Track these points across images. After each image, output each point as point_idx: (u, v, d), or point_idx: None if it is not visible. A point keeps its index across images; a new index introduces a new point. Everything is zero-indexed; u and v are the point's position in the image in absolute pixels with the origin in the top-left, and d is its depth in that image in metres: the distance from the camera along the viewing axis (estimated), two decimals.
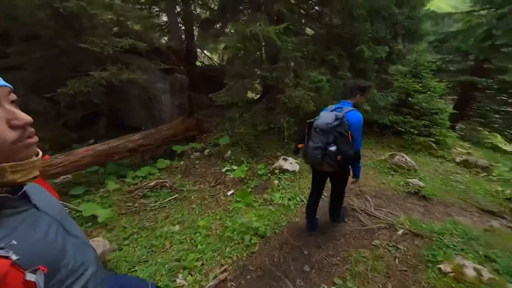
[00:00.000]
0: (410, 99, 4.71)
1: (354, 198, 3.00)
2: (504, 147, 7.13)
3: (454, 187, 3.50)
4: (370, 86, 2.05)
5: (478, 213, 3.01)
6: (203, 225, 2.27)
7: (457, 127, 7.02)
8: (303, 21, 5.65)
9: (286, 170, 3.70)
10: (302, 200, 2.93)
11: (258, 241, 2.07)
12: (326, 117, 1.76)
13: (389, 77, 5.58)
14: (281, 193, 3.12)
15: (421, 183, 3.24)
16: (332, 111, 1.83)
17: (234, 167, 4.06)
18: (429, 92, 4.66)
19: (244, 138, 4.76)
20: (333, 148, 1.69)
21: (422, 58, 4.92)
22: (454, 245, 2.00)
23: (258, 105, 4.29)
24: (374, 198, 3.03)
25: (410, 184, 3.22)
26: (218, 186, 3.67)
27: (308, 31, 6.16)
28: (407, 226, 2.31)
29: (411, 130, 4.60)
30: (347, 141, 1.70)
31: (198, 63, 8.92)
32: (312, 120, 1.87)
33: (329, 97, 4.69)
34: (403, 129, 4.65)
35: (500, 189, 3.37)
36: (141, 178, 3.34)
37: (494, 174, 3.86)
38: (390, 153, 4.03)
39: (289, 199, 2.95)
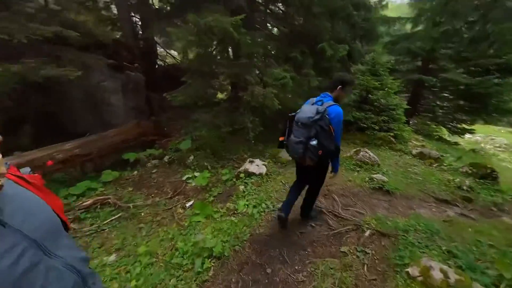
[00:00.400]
0: (370, 96, 4.86)
1: (321, 199, 2.85)
2: (448, 138, 7.96)
3: (413, 179, 3.62)
4: (353, 81, 2.02)
5: (435, 203, 3.11)
6: (147, 251, 1.84)
7: (411, 121, 7.61)
8: (268, 18, 5.49)
9: (253, 174, 3.41)
10: (268, 207, 2.67)
11: (213, 264, 1.73)
12: (308, 110, 1.73)
13: (352, 76, 5.74)
14: (246, 200, 2.82)
15: (385, 178, 3.25)
16: (313, 104, 1.79)
17: (197, 174, 3.64)
18: (386, 89, 4.86)
19: (208, 141, 4.36)
20: (314, 142, 1.67)
21: (379, 57, 5.12)
22: (419, 242, 1.93)
23: (222, 105, 3.94)
24: (341, 197, 2.92)
25: (375, 179, 3.20)
26: (176, 197, 3.22)
27: (274, 29, 6.04)
28: (373, 226, 2.21)
29: (373, 126, 4.74)
30: (328, 135, 1.68)
31: (160, 62, 8.20)
32: (293, 113, 1.84)
33: (295, 95, 4.59)
34: (365, 125, 4.77)
35: (451, 178, 3.59)
36: (75, 197, 2.72)
37: (444, 164, 4.14)
38: (355, 149, 4.04)
39: (254, 206, 2.66)
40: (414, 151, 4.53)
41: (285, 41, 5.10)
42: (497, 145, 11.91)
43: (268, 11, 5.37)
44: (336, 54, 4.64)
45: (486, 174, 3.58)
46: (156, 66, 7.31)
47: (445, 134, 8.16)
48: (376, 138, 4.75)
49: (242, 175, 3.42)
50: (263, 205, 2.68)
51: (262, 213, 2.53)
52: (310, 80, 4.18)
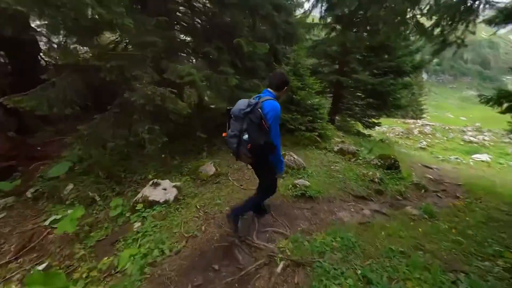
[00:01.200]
0: (295, 96, 4.75)
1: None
2: (364, 131, 9.09)
3: (335, 177, 3.57)
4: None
5: (353, 201, 3.07)
6: None
7: (335, 119, 8.26)
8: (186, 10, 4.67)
9: (155, 202, 2.58)
10: (164, 253, 1.91)
11: None
12: (240, 103, 1.72)
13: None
14: (138, 246, 1.98)
15: (307, 183, 3.01)
16: (253, 98, 1.76)
17: (71, 212, 2.51)
18: (308, 89, 4.86)
19: (100, 160, 3.22)
20: (245, 136, 1.64)
21: (300, 58, 5.11)
22: (335, 269, 1.58)
23: (109, 111, 2.90)
24: None
25: (297, 185, 2.91)
26: (22, 258, 2.06)
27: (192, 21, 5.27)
28: (289, 253, 1.77)
29: (300, 126, 4.63)
30: (257, 129, 1.62)
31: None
32: (231, 107, 1.79)
33: (218, 95, 3.98)
34: (293, 127, 4.62)
35: (366, 171, 3.73)
36: None
37: (360, 158, 4.38)
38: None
39: (143, 256, 1.86)
40: (335, 148, 4.65)
41: (202, 36, 4.44)
42: (396, 133, 14.76)
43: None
44: (256, 52, 4.28)
45: (391, 165, 3.88)
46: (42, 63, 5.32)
47: (361, 128, 9.28)
48: (304, 139, 4.66)
49: (139, 205, 2.53)
50: (156, 252, 1.90)
51: (149, 267, 1.75)
52: (228, 79, 3.63)
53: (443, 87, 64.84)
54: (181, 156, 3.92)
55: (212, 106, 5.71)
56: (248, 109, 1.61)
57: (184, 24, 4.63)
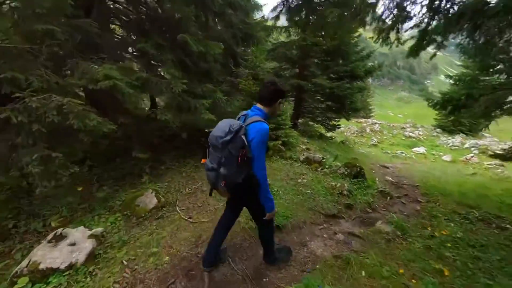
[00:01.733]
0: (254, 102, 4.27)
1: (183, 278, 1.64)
2: (326, 134, 9.28)
3: (303, 194, 3.19)
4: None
5: (324, 221, 2.72)
6: None
7: (298, 124, 8.16)
8: None
9: (52, 270, 1.69)
10: None
11: None
12: (220, 128, 1.34)
13: (238, 80, 5.07)
14: None
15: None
16: (239, 119, 1.44)
17: None
18: None
19: None
20: (223, 170, 1.32)
21: (259, 61, 4.66)
22: None
23: None
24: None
25: None
26: None
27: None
28: None
29: None
30: (233, 162, 1.29)
31: None
32: (210, 129, 1.44)
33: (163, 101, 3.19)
34: None
35: (334, 183, 3.46)
36: None
37: (326, 167, 4.15)
38: None
39: None
40: (301, 157, 4.33)
41: (137, 30, 3.56)
42: (352, 132, 15.92)
43: None
44: (209, 53, 3.64)
45: (357, 173, 3.72)
46: None
47: (324, 131, 9.47)
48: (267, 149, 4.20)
49: (22, 281, 1.62)
50: None
51: None
52: (172, 83, 2.89)
53: (384, 89, 75.18)
54: (112, 184, 2.99)
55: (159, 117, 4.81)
56: (228, 138, 1.27)
57: (120, 15, 3.66)
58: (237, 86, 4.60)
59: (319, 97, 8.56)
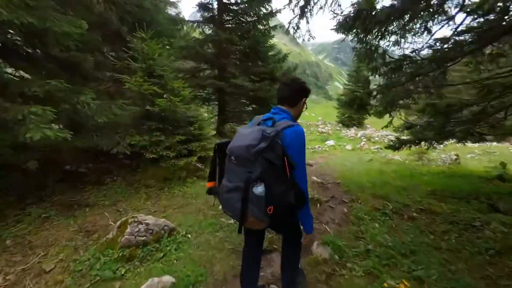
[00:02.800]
0: (152, 108, 3.05)
1: None
2: None
3: (223, 227, 2.31)
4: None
5: None
6: None
7: (224, 131, 7.36)
8: None
9: None
10: None
11: None
12: (247, 135, 1.03)
13: (124, 78, 3.64)
14: None
15: (171, 279, 1.48)
16: (259, 124, 1.13)
17: None
18: (171, 97, 3.31)
19: None
20: (259, 189, 0.94)
21: (153, 51, 3.42)
22: None
23: None
24: None
25: None
26: None
27: None
28: None
29: (167, 153, 2.99)
30: (282, 176, 0.98)
31: None
32: (223, 141, 1.20)
33: None
34: (155, 155, 2.90)
35: None
36: None
37: None
38: (124, 218, 1.94)
39: None
40: None
41: None
42: None
43: None
44: (70, 35, 2.14)
45: None
46: None
47: None
48: (178, 169, 3.08)
49: None
50: None
51: None
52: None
53: None
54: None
55: None
56: (264, 145, 0.95)
57: None
58: (123, 84, 3.19)
59: (244, 100, 8.12)
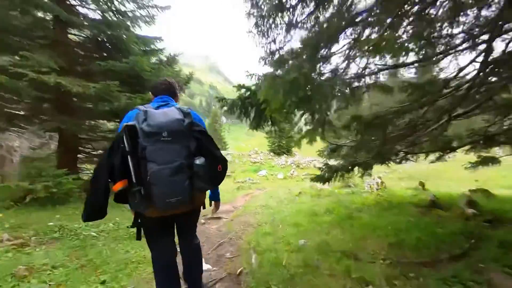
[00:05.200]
0: None
1: None
2: None
3: None
4: None
5: None
6: None
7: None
8: None
9: None
10: None
11: None
12: (167, 112, 1.02)
13: None
14: None
15: None
16: (157, 108, 1.09)
17: None
18: None
19: None
20: (200, 160, 1.01)
21: None
22: None
23: None
24: None
25: None
26: None
27: None
28: None
29: None
30: (212, 148, 1.09)
31: None
32: (131, 123, 0.96)
33: None
34: None
35: None
36: None
37: None
38: None
39: None
40: None
41: None
42: None
43: None
44: None
45: None
46: None
47: None
48: None
49: None
50: None
51: None
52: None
53: (238, 125, 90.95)
54: None
55: None
56: (190, 120, 1.03)
57: None
58: None
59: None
